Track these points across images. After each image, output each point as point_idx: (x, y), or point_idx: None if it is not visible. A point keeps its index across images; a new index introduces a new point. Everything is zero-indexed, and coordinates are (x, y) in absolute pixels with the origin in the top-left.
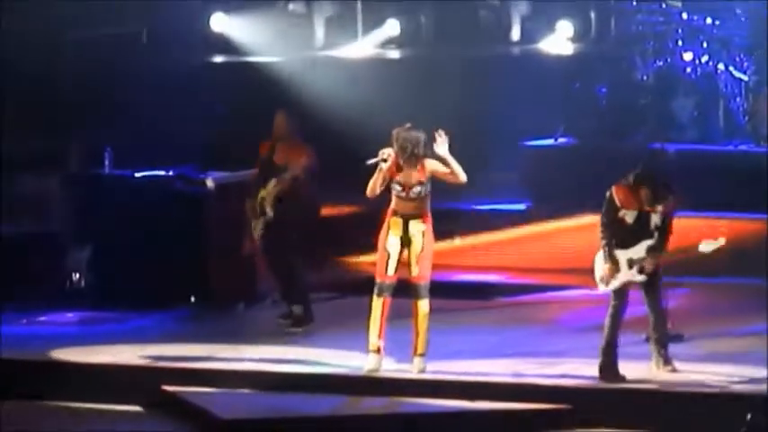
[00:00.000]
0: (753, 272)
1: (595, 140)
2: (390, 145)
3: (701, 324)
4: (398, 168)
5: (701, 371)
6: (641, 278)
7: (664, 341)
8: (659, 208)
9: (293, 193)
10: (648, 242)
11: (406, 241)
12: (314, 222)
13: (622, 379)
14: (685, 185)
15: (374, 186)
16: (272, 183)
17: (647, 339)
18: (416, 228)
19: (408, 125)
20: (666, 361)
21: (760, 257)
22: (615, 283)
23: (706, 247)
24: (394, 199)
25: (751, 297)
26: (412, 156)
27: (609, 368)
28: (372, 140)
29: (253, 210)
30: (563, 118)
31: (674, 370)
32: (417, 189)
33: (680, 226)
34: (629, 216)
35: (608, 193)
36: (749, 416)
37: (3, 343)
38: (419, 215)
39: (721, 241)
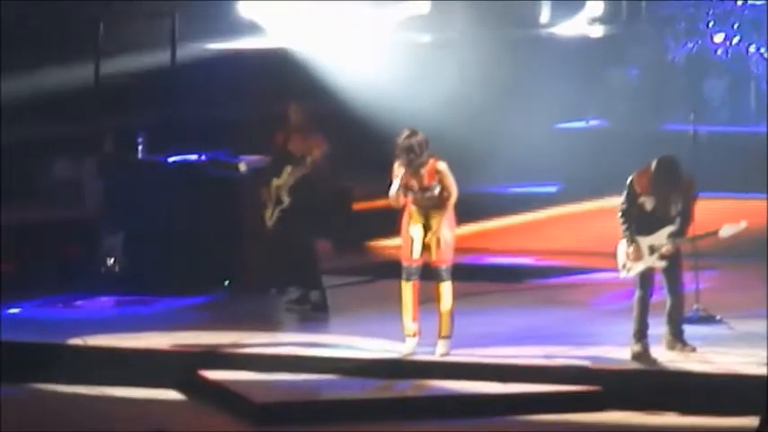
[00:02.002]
0: None
1: (626, 123)
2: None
3: (732, 305)
4: (407, 174)
5: (732, 352)
6: (662, 264)
7: (680, 323)
8: (679, 195)
9: (311, 181)
10: (669, 228)
11: (427, 227)
12: (330, 209)
13: (654, 362)
14: (715, 167)
15: (396, 198)
16: (288, 171)
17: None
18: (436, 215)
19: (406, 133)
20: (683, 342)
21: None
22: (636, 270)
23: (727, 231)
24: (410, 196)
25: None
26: (413, 163)
27: (641, 352)
28: (396, 125)
29: (268, 197)
30: (594, 100)
31: (693, 350)
32: (428, 192)
33: (709, 208)
34: (648, 203)
35: (628, 181)
36: None
37: (38, 327)
38: (438, 205)
39: (743, 225)
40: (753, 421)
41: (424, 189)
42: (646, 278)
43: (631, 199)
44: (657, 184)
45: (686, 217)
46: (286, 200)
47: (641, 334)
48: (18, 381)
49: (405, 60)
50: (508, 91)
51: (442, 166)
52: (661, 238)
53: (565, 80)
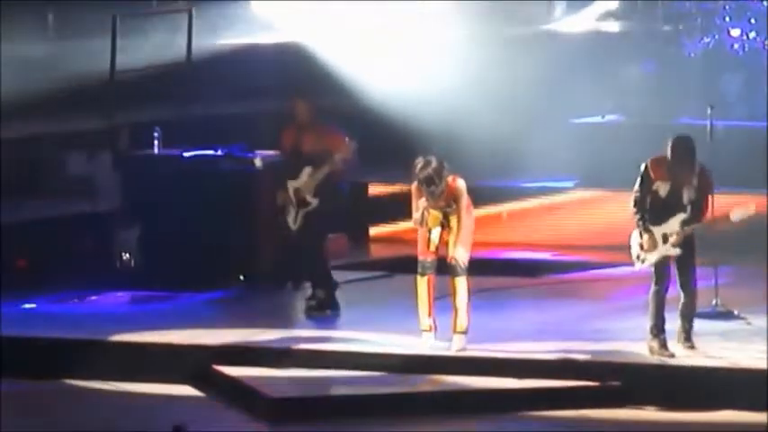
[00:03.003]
0: None
1: (643, 118)
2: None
3: (751, 301)
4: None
5: (751, 347)
6: (676, 251)
7: (690, 319)
8: (694, 182)
9: (336, 179)
10: (682, 216)
11: (445, 223)
12: (347, 208)
13: (671, 357)
14: (732, 162)
15: (420, 220)
16: (308, 171)
17: (698, 315)
18: (455, 213)
19: (421, 163)
20: (687, 338)
21: None
22: (651, 259)
23: (736, 215)
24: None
25: None
26: (434, 194)
27: (658, 347)
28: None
29: (287, 200)
30: (610, 96)
31: (692, 347)
32: (448, 208)
33: (726, 203)
34: (662, 189)
35: (643, 166)
36: None
37: (53, 323)
38: (455, 210)
39: (752, 208)
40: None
41: (438, 208)
42: (661, 272)
43: (645, 185)
44: (673, 163)
45: (700, 205)
46: (313, 201)
47: (658, 329)
48: (33, 377)
49: (421, 56)
50: (524, 86)
51: (461, 184)
52: (674, 225)
53: (581, 75)
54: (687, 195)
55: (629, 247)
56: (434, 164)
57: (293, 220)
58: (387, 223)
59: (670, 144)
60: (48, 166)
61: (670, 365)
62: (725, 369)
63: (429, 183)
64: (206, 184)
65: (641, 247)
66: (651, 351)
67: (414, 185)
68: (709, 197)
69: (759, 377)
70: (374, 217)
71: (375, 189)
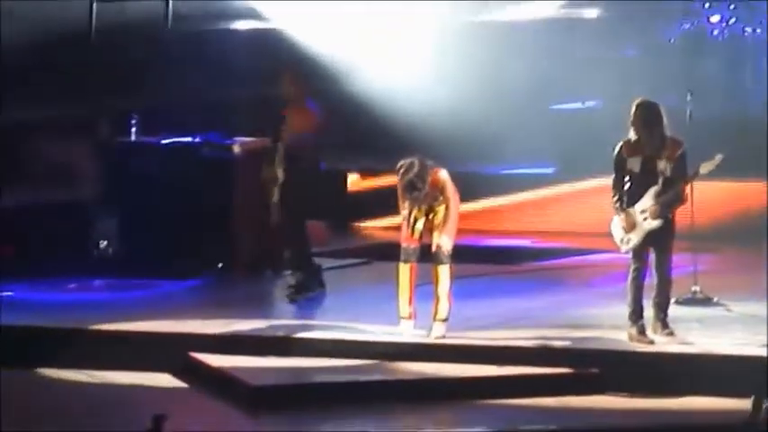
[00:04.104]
0: None
1: (623, 104)
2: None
3: (731, 287)
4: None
5: (730, 334)
6: (657, 223)
7: (665, 306)
8: (664, 152)
9: (299, 159)
10: (655, 188)
11: (429, 212)
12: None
13: (650, 343)
14: (713, 149)
15: (408, 218)
16: (280, 148)
17: (677, 302)
18: (440, 204)
19: (402, 169)
20: (664, 325)
21: None
22: (635, 240)
23: (706, 168)
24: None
25: None
26: (418, 200)
27: (637, 334)
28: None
29: (269, 177)
30: (590, 82)
31: (672, 334)
32: (435, 202)
33: (705, 190)
34: (635, 164)
35: (616, 149)
36: None
37: (31, 311)
38: (441, 201)
39: (719, 158)
40: (747, 403)
41: (431, 201)
42: (639, 255)
43: (620, 166)
44: (638, 129)
45: (674, 176)
46: (280, 177)
47: (636, 316)
48: (11, 365)
49: (401, 43)
50: (503, 73)
51: (443, 175)
52: (649, 199)
53: (560, 62)
54: (659, 166)
55: (612, 235)
56: (416, 167)
57: (271, 196)
58: (369, 213)
59: (633, 109)
60: (24, 153)
61: (648, 352)
62: (704, 356)
63: (412, 189)
64: (184, 171)
65: (623, 229)
66: (630, 338)
67: (399, 195)
68: (686, 168)
69: (739, 363)
70: (356, 206)
71: (355, 177)
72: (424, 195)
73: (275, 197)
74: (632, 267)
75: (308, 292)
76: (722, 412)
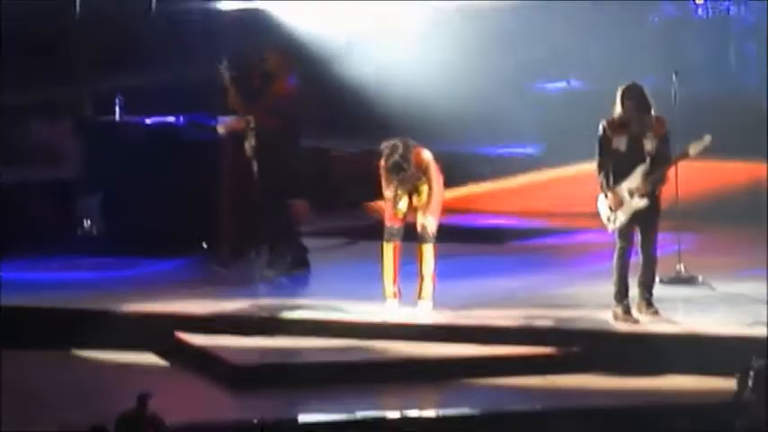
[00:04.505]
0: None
1: (607, 84)
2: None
3: (716, 267)
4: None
5: (715, 313)
6: (644, 202)
7: (650, 285)
8: (650, 132)
9: (278, 137)
10: (642, 167)
11: (413, 192)
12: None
13: (635, 322)
14: (698, 129)
15: (393, 198)
16: (259, 127)
17: (662, 281)
18: (424, 184)
19: (387, 150)
20: (649, 304)
21: None
22: (622, 218)
23: (695, 149)
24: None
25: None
26: (404, 181)
27: (622, 313)
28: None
29: (249, 156)
30: (575, 61)
31: (656, 313)
32: (416, 182)
33: (689, 168)
34: (621, 144)
35: (600, 128)
36: (754, 359)
37: (14, 290)
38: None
39: (707, 139)
40: (731, 382)
41: (415, 181)
42: (625, 234)
43: (605, 146)
44: (625, 111)
45: (660, 155)
46: (259, 155)
47: (621, 295)
48: None
49: (387, 23)
50: (488, 53)
51: (427, 155)
52: (637, 178)
53: (545, 42)
54: (646, 146)
55: (599, 214)
56: (401, 149)
57: (255, 175)
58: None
59: (619, 92)
60: (8, 132)
61: (633, 332)
62: (689, 335)
63: (397, 170)
64: (168, 151)
65: (610, 208)
66: (615, 317)
67: (382, 169)
68: (670, 147)
69: (724, 343)
70: (341, 185)
71: (339, 156)
72: (410, 177)
73: (255, 176)
74: (618, 246)
75: (292, 270)
76: (707, 391)
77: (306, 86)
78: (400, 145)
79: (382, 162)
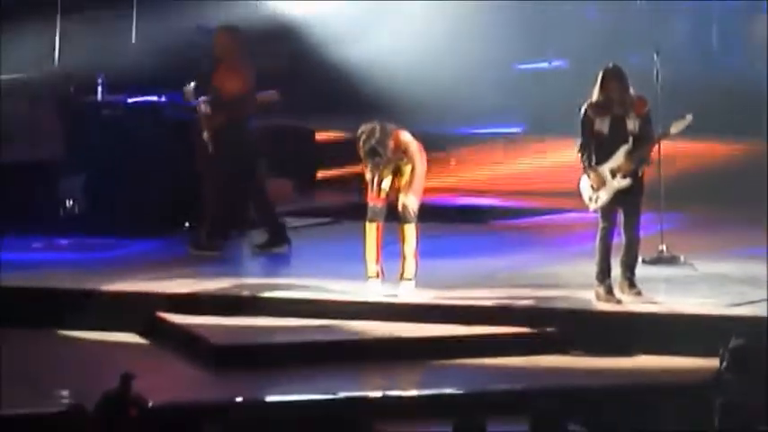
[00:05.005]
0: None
1: (589, 63)
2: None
3: (698, 247)
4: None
5: (697, 293)
6: (627, 182)
7: (632, 265)
8: (632, 112)
9: (231, 117)
10: (625, 147)
11: (395, 171)
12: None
13: (618, 302)
14: (680, 109)
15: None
16: (210, 107)
17: (644, 261)
18: (406, 164)
19: (363, 135)
20: (632, 284)
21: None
22: (604, 198)
23: (677, 127)
24: None
25: (747, 221)
26: (379, 165)
27: (604, 293)
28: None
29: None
30: (556, 41)
31: (639, 293)
32: (398, 162)
33: (676, 148)
34: (604, 125)
35: (582, 111)
36: (733, 338)
37: None
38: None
39: (689, 118)
40: (712, 361)
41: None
42: (608, 214)
43: (587, 127)
44: (606, 92)
45: (642, 134)
46: (215, 136)
47: (604, 275)
48: None
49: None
50: (468, 32)
51: (406, 137)
52: (619, 158)
53: (527, 22)
54: (629, 125)
55: (581, 194)
56: (377, 133)
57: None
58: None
59: (600, 75)
60: None
61: (615, 312)
62: (671, 315)
63: (373, 155)
64: (150, 130)
65: (592, 187)
66: (598, 297)
67: (361, 154)
68: (652, 126)
69: (705, 322)
70: (323, 165)
71: (321, 136)
72: (386, 162)
73: (216, 157)
74: (601, 226)
75: (273, 247)
76: (687, 370)
77: (291, 68)
78: (377, 129)
79: (359, 146)
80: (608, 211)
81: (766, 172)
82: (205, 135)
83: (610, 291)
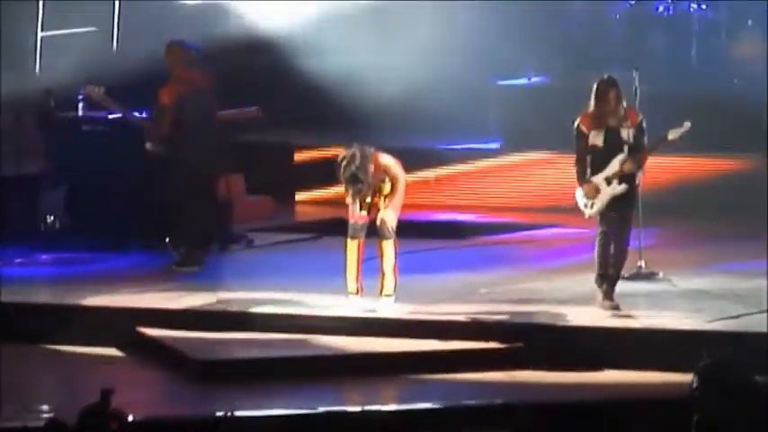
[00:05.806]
0: (732, 210)
1: (568, 79)
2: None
3: (677, 263)
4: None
5: (675, 309)
6: (622, 188)
7: (613, 279)
8: (625, 123)
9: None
10: (620, 156)
11: (376, 189)
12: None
13: (617, 308)
14: (660, 124)
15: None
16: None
17: (623, 277)
18: (387, 182)
19: (344, 161)
20: (610, 297)
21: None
22: (599, 204)
23: (674, 133)
24: None
25: (726, 236)
26: (361, 191)
27: (602, 297)
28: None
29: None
30: (535, 56)
31: (617, 307)
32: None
33: (656, 164)
34: (598, 138)
35: (575, 126)
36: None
37: None
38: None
39: (687, 125)
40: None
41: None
42: (605, 221)
43: (581, 141)
44: (600, 106)
45: (637, 143)
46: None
47: (602, 279)
48: None
49: (346, 18)
50: (448, 47)
51: (386, 159)
52: (614, 166)
53: (506, 37)
54: (623, 136)
55: (566, 209)
56: (358, 160)
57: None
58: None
59: (594, 88)
60: None
61: (593, 327)
62: (649, 330)
63: (354, 181)
64: (131, 146)
65: (586, 197)
66: (595, 301)
67: (342, 179)
68: (645, 136)
69: (683, 338)
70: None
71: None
72: (368, 188)
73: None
74: (599, 231)
75: (194, 265)
76: (665, 386)
77: (270, 82)
78: (357, 155)
79: (340, 172)
80: (605, 216)
81: (749, 187)
82: (148, 146)
83: (609, 295)
